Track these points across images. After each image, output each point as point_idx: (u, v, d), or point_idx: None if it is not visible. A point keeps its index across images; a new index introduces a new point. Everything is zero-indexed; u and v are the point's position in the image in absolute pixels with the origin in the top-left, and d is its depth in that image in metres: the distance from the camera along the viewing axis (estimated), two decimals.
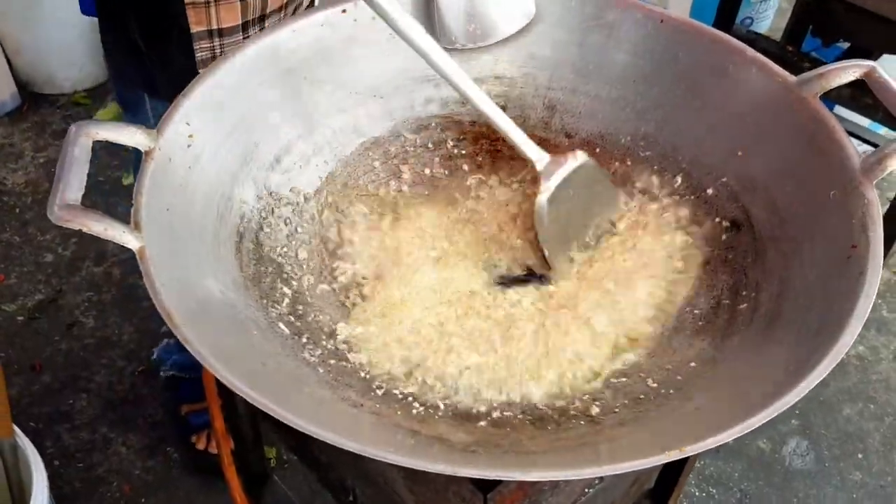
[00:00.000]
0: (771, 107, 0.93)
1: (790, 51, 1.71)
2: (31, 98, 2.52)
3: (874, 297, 0.72)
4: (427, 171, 1.09)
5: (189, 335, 0.69)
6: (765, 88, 0.93)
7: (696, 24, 1.01)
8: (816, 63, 1.64)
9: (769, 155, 0.92)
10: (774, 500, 1.69)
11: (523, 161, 1.02)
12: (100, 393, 1.81)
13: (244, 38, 1.13)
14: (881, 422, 1.83)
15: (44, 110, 2.50)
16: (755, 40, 1.72)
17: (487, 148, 1.10)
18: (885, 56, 1.80)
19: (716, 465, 1.73)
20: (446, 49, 0.93)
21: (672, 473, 1.30)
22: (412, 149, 1.09)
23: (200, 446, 1.68)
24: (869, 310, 0.71)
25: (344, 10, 1.02)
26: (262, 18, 1.14)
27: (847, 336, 0.68)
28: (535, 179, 0.97)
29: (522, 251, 0.99)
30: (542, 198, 0.94)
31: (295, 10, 1.23)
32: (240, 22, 1.11)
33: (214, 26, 1.09)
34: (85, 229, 0.74)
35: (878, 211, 0.78)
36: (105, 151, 2.27)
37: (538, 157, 0.95)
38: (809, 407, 1.86)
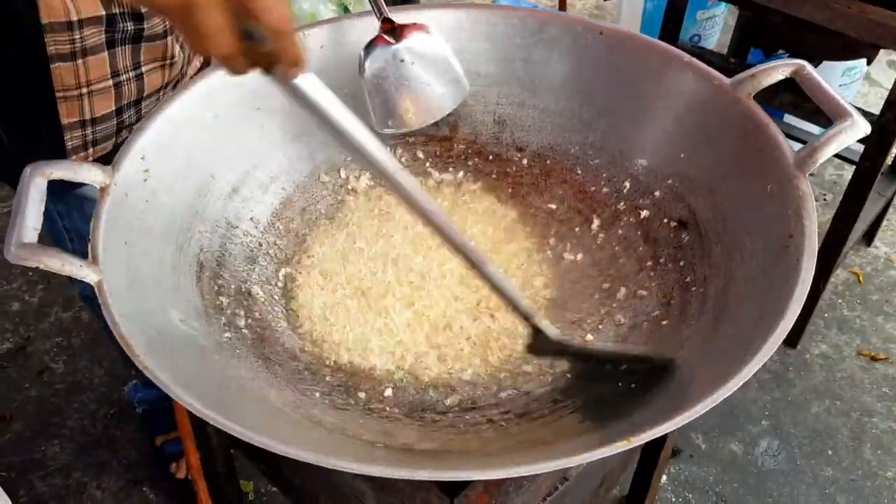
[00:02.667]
0: (708, 108, 0.96)
1: (733, 62, 1.76)
2: None
3: (811, 280, 0.75)
4: (382, 190, 1.11)
5: (149, 363, 0.70)
6: (701, 91, 0.97)
7: (634, 35, 1.05)
8: None
9: (709, 155, 0.96)
10: (751, 501, 1.71)
11: (482, 174, 1.06)
12: (73, 438, 1.79)
13: (117, 123, 1.11)
14: (848, 417, 1.86)
15: None
16: (700, 54, 1.77)
17: (441, 165, 1.13)
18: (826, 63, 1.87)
19: (690, 471, 1.75)
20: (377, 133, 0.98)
21: (643, 478, 1.32)
22: (366, 171, 1.11)
23: (180, 475, 1.68)
24: (806, 292, 0.74)
25: None
26: (139, 101, 1.12)
27: (787, 319, 0.71)
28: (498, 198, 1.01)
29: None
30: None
31: (175, 85, 1.19)
32: (113, 108, 1.09)
33: (87, 116, 1.07)
34: (42, 266, 0.74)
35: (812, 201, 0.81)
36: None
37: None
38: (779, 406, 1.89)
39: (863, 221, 1.99)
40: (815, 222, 0.79)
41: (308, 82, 0.66)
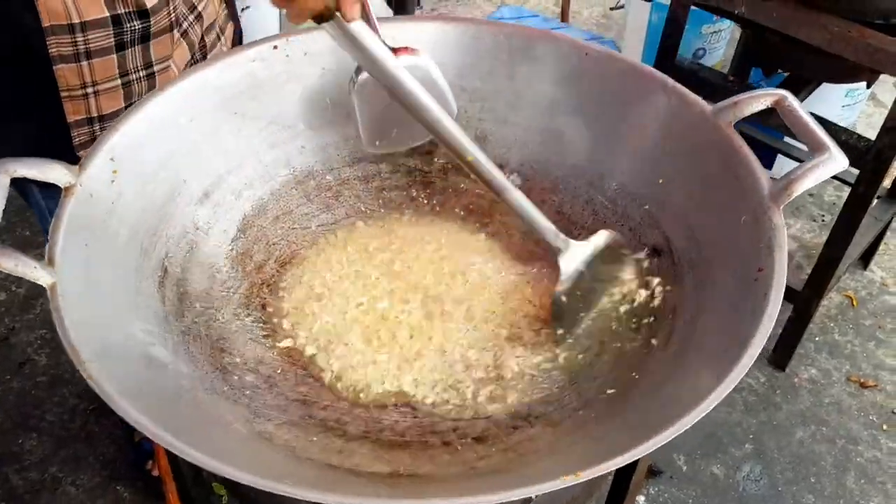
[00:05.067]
0: (688, 135, 0.95)
1: (731, 81, 1.74)
2: None
3: (776, 316, 0.73)
4: (360, 204, 1.10)
5: (94, 372, 0.68)
6: (682, 117, 0.96)
7: (619, 57, 1.04)
8: None
9: (687, 182, 0.94)
10: None
11: (453, 194, 1.04)
12: (51, 432, 1.79)
13: None
14: (833, 444, 1.84)
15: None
16: (697, 71, 1.76)
17: (421, 180, 1.12)
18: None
19: (670, 493, 1.73)
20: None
21: (615, 502, 1.30)
22: (345, 181, 1.10)
23: (156, 473, 1.67)
24: (770, 328, 0.72)
25: (275, 47, 1.04)
26: None
27: (746, 357, 0.69)
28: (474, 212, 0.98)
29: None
30: (559, 291, 0.94)
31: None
32: (122, 106, 1.07)
33: (94, 114, 1.05)
34: None
35: (784, 235, 0.80)
36: None
37: (561, 244, 0.96)
38: (763, 430, 1.87)
39: (858, 245, 1.98)
40: (785, 257, 0.78)
41: (360, 27, 0.81)
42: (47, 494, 1.69)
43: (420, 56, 0.98)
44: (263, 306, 0.98)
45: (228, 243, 1.00)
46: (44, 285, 0.75)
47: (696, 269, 0.89)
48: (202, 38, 1.15)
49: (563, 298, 0.95)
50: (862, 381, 1.98)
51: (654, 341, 0.88)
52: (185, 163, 0.97)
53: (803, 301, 1.85)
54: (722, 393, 0.67)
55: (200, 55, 1.17)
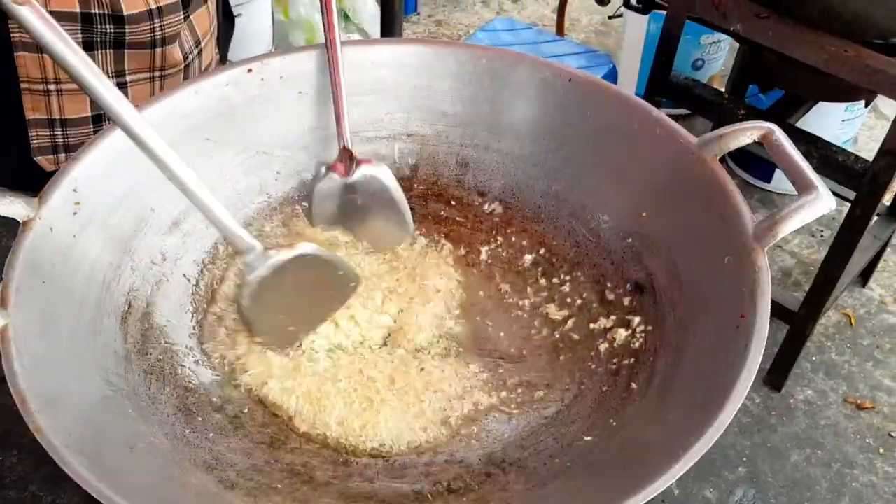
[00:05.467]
0: (672, 167, 0.92)
1: (727, 98, 1.71)
2: None
3: (756, 370, 0.70)
4: (337, 232, 1.07)
5: (42, 423, 0.66)
6: (667, 149, 0.92)
7: (604, 84, 1.01)
8: (751, 110, 1.64)
9: (671, 216, 0.91)
10: None
11: (433, 222, 1.02)
12: (31, 450, 1.75)
13: (94, 131, 1.04)
14: (828, 468, 1.81)
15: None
16: (693, 87, 1.72)
17: None
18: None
19: None
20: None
21: None
22: None
23: None
24: (749, 384, 0.69)
25: (250, 70, 1.00)
26: None
27: (724, 415, 0.66)
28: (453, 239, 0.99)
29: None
30: (244, 294, 0.88)
31: None
32: (90, 114, 1.03)
33: (56, 115, 1.01)
34: None
35: (768, 280, 0.76)
36: None
37: (247, 247, 0.86)
38: (757, 453, 1.83)
39: (857, 264, 1.94)
40: (768, 304, 0.75)
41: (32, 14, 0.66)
42: None
43: (378, 167, 1.00)
44: (234, 341, 0.95)
45: (198, 274, 0.97)
46: None
47: (678, 309, 0.86)
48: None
49: (244, 303, 0.89)
50: (859, 402, 1.95)
51: (633, 385, 0.85)
52: (153, 191, 0.94)
53: (800, 320, 1.82)
54: (698, 452, 0.64)
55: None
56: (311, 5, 2.43)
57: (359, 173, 1.00)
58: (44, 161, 1.06)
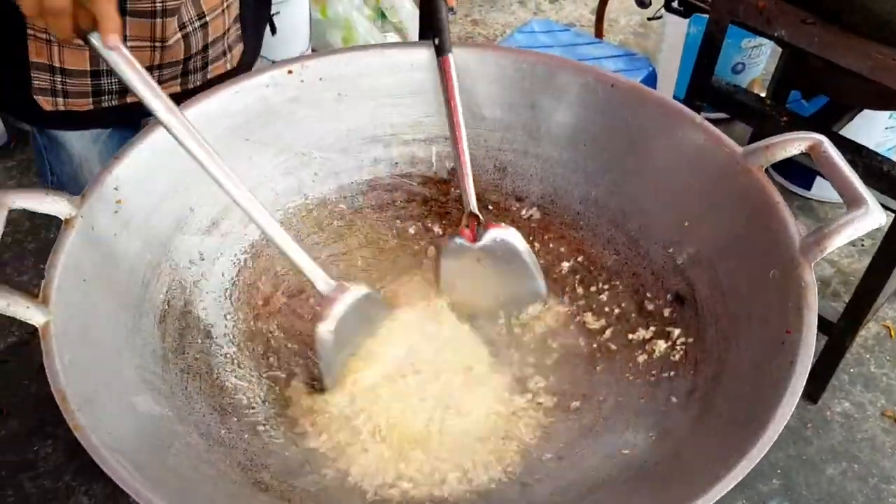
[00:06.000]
0: (717, 177, 0.90)
1: (769, 103, 1.68)
2: (19, 135, 2.52)
3: (801, 389, 0.68)
4: (373, 233, 1.07)
5: (81, 421, 0.66)
6: (712, 158, 0.91)
7: (647, 91, 0.99)
8: (794, 117, 1.61)
9: (714, 227, 0.90)
10: None
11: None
12: (66, 439, 1.78)
13: (93, 84, 1.08)
14: (865, 483, 1.77)
15: (31, 147, 2.50)
16: (734, 93, 1.69)
17: (437, 210, 1.08)
18: None
19: None
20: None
21: None
22: (359, 210, 1.07)
23: None
24: (795, 404, 0.68)
25: (290, 71, 1.00)
26: None
27: (767, 435, 0.65)
28: None
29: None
30: (323, 327, 0.87)
31: (182, 75, 1.15)
32: (88, 69, 1.05)
33: (56, 63, 1.04)
34: None
35: (815, 296, 0.75)
36: None
37: (325, 286, 0.88)
38: (792, 466, 1.80)
39: None
40: (815, 320, 0.73)
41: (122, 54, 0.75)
42: (60, 503, 1.68)
43: (506, 230, 0.98)
44: (269, 341, 0.95)
45: (235, 274, 0.97)
46: (35, 325, 0.73)
47: (720, 322, 0.84)
48: (205, 48, 1.12)
49: (332, 335, 0.88)
50: None
51: (672, 399, 0.83)
52: (193, 191, 0.95)
53: (839, 332, 1.78)
54: (740, 474, 0.63)
55: (200, 63, 1.15)
56: (349, 4, 2.43)
57: (487, 238, 0.98)
58: (42, 101, 1.09)
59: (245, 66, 1.23)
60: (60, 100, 1.09)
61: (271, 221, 0.85)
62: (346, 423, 0.86)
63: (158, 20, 1.03)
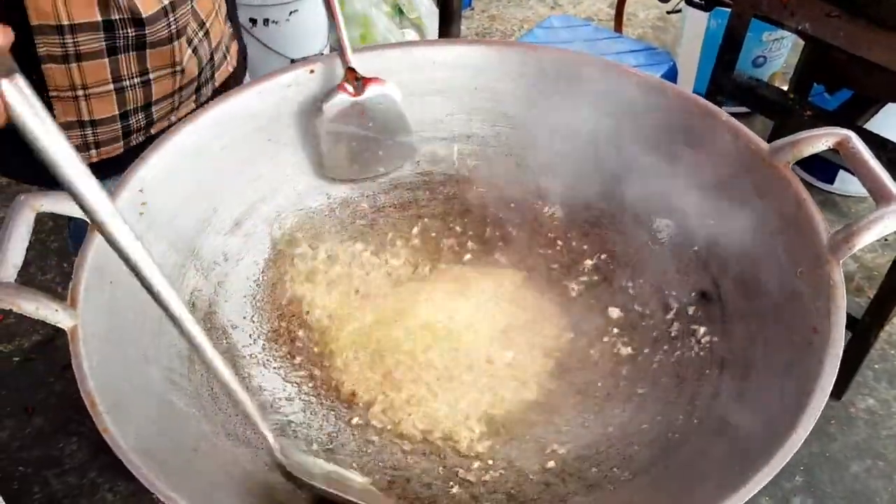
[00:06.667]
0: (743, 174, 0.89)
1: (792, 98, 1.66)
2: None
3: (830, 388, 0.67)
4: (395, 232, 1.06)
5: (110, 424, 0.67)
6: (737, 154, 0.90)
7: (671, 86, 0.98)
8: (818, 111, 1.59)
9: (740, 224, 0.88)
10: None
11: (490, 223, 1.01)
12: (91, 437, 1.80)
13: (123, 127, 1.07)
14: (890, 480, 1.75)
15: None
16: (756, 87, 1.68)
17: (458, 209, 1.08)
18: None
19: None
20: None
21: None
22: (381, 209, 1.07)
23: None
24: (824, 403, 0.67)
25: (312, 70, 1.00)
26: (148, 106, 1.07)
27: (796, 435, 0.64)
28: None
29: None
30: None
31: (197, 91, 1.14)
32: (116, 112, 1.04)
33: (86, 118, 1.03)
34: (16, 309, 0.72)
35: (843, 295, 0.74)
36: None
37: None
38: (815, 462, 1.79)
39: None
40: (843, 319, 0.72)
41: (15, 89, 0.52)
42: (85, 500, 1.70)
43: (386, 85, 0.99)
44: (293, 340, 0.95)
45: (258, 274, 0.98)
46: (64, 328, 0.73)
47: (747, 321, 0.84)
48: (211, 56, 1.13)
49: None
50: None
51: (697, 398, 0.83)
52: (216, 192, 0.95)
53: (864, 328, 1.76)
54: (766, 476, 0.62)
55: (209, 73, 1.14)
56: (366, 1, 2.43)
57: (367, 89, 0.98)
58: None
59: (240, 68, 1.23)
60: (93, 152, 1.08)
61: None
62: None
63: (175, 43, 1.03)
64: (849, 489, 1.74)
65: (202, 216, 0.94)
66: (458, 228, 1.07)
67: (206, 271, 0.92)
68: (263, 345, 0.93)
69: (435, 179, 1.07)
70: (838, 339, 0.70)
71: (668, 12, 3.14)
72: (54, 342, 1.97)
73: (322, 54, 1.02)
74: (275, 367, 0.92)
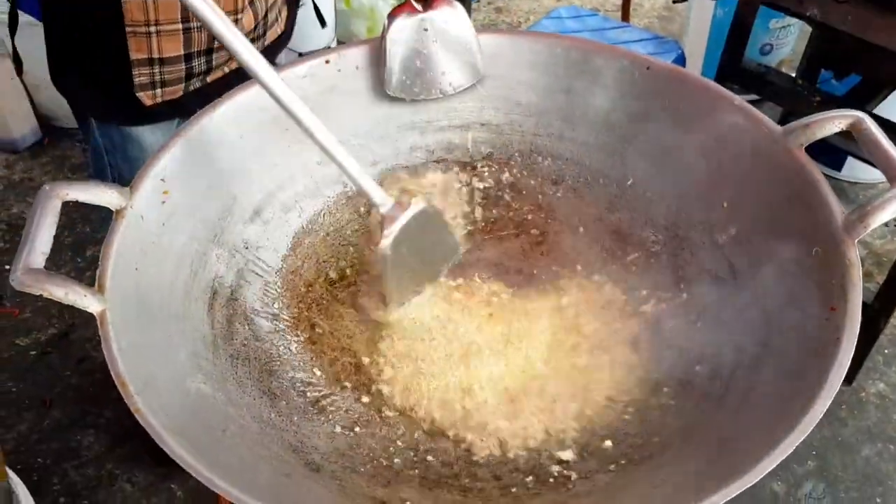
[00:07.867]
0: (756, 157, 0.90)
1: (800, 84, 1.67)
2: (52, 132, 2.56)
3: (847, 364, 0.69)
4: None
5: (141, 406, 0.68)
6: (750, 138, 0.91)
7: (683, 72, 0.99)
8: (827, 97, 1.60)
9: (754, 207, 0.90)
10: None
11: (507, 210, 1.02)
12: (108, 429, 1.82)
13: (186, 69, 1.13)
14: None
15: (64, 144, 2.54)
16: (765, 74, 1.69)
17: (474, 196, 1.09)
18: None
19: None
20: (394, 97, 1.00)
21: None
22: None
23: None
24: (842, 378, 0.68)
25: (327, 61, 1.02)
26: (210, 51, 1.14)
27: (816, 410, 0.66)
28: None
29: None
30: (385, 243, 0.88)
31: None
32: (182, 53, 1.11)
33: (155, 55, 1.09)
34: (46, 294, 0.73)
35: (859, 273, 0.75)
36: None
37: (382, 201, 0.89)
38: (827, 447, 1.80)
39: None
40: (859, 297, 0.73)
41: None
42: (104, 491, 1.72)
43: (456, 9, 0.99)
44: (313, 326, 0.97)
45: (278, 262, 0.99)
46: (93, 313, 0.75)
47: (763, 301, 0.84)
48: (266, 14, 1.17)
49: (391, 250, 0.88)
50: None
51: (716, 378, 0.84)
52: (236, 180, 0.96)
53: (874, 313, 1.77)
54: (787, 449, 0.64)
55: (262, 30, 1.19)
56: None
57: (433, 8, 0.98)
58: (145, 96, 1.14)
59: (287, 34, 1.29)
60: (159, 91, 1.14)
61: (334, 142, 0.86)
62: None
63: None
64: (860, 473, 1.76)
65: (222, 204, 0.95)
66: (476, 215, 1.08)
67: (227, 258, 0.93)
68: (285, 329, 0.95)
69: (450, 164, 1.09)
70: (855, 315, 0.72)
71: (675, 1, 3.14)
72: (69, 336, 1.99)
73: (330, 48, 1.03)
74: (296, 352, 0.93)
